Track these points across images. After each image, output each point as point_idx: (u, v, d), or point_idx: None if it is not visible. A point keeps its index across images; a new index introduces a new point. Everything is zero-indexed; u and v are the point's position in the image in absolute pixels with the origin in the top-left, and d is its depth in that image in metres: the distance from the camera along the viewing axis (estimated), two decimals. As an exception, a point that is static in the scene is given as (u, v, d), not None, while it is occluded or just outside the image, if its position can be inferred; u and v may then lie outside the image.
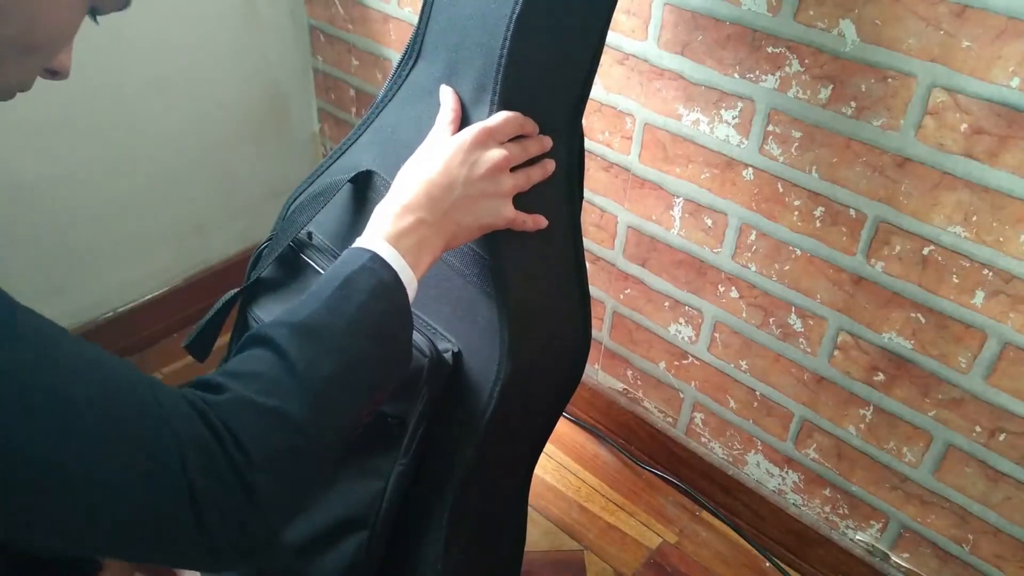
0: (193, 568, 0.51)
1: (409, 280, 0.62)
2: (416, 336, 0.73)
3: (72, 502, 0.43)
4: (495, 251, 0.72)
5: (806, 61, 0.87)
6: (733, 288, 1.06)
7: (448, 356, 0.74)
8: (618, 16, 1.01)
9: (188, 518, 0.46)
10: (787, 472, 1.12)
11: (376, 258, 0.61)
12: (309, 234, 0.84)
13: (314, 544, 0.79)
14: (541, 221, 0.74)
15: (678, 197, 1.06)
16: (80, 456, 0.43)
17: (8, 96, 0.55)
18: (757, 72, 0.91)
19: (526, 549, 0.98)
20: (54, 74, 0.56)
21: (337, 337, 0.56)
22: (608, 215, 1.16)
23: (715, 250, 1.05)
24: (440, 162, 0.67)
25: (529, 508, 0.97)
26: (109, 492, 0.44)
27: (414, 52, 0.78)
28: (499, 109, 0.70)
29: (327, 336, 0.56)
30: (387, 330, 0.60)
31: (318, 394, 0.53)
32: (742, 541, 1.19)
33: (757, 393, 1.10)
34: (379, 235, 0.63)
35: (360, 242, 0.63)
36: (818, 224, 0.94)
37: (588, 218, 1.18)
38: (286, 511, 0.53)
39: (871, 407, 0.99)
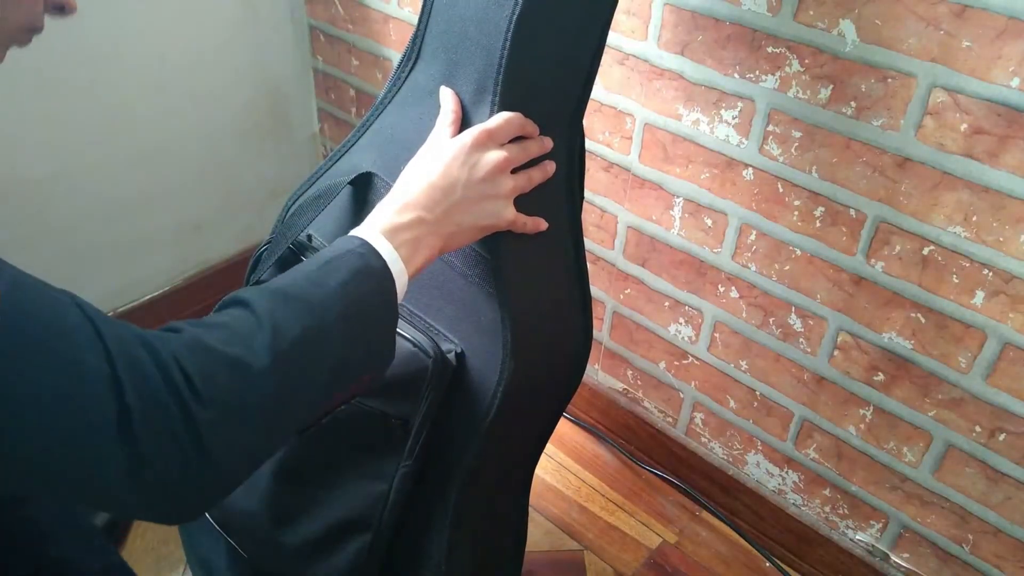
0: (126, 513, 0.48)
1: (399, 273, 0.62)
2: (419, 337, 0.73)
3: None
4: (496, 251, 0.72)
5: (806, 61, 0.87)
6: (733, 288, 1.06)
7: (451, 357, 0.74)
8: (618, 16, 1.00)
9: (115, 442, 0.44)
10: (787, 472, 1.12)
11: (366, 245, 0.61)
12: (309, 236, 0.84)
13: (315, 546, 0.79)
14: (541, 224, 0.74)
15: (678, 197, 1.06)
16: None
17: (23, 40, 0.53)
18: (757, 72, 0.91)
19: (526, 549, 0.98)
20: (60, 9, 0.55)
21: (311, 305, 0.55)
22: (608, 215, 1.16)
23: (715, 250, 1.05)
24: (440, 164, 0.67)
25: (529, 508, 0.97)
26: (23, 412, 0.42)
27: (413, 53, 0.78)
28: (499, 110, 0.70)
29: (301, 301, 0.55)
30: (367, 312, 0.59)
31: (283, 353, 0.52)
32: (742, 541, 1.19)
33: (757, 393, 1.10)
34: (375, 227, 0.63)
35: (355, 231, 0.63)
36: (818, 224, 0.94)
37: (588, 218, 1.18)
38: (232, 463, 0.50)
39: (871, 407, 0.99)
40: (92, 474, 0.45)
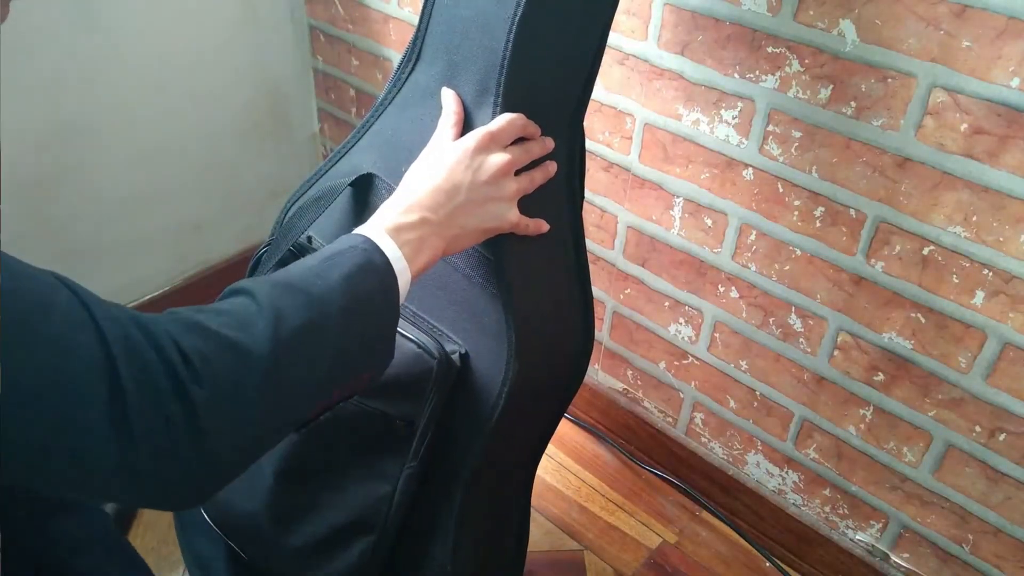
0: (119, 500, 0.46)
1: (402, 271, 0.62)
2: (423, 338, 0.73)
3: None
4: (499, 252, 0.72)
5: (806, 61, 0.87)
6: (733, 288, 1.06)
7: (456, 358, 0.74)
8: (618, 16, 1.00)
9: (107, 425, 0.43)
10: (787, 472, 1.13)
11: (370, 242, 0.61)
12: (309, 238, 0.84)
13: (318, 548, 0.79)
14: (543, 225, 0.74)
15: (678, 197, 1.06)
16: None
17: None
18: (757, 72, 0.91)
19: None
20: None
21: (313, 296, 0.55)
22: (608, 215, 1.16)
23: (715, 250, 1.05)
24: (444, 167, 0.67)
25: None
26: (10, 396, 0.40)
27: (414, 54, 0.78)
28: (502, 111, 0.70)
29: (303, 293, 0.55)
30: (369, 308, 0.59)
31: (283, 342, 0.51)
32: (742, 541, 1.19)
33: (757, 393, 1.10)
34: (379, 226, 0.63)
35: (359, 229, 0.63)
36: (818, 224, 0.94)
37: (588, 218, 1.18)
38: (227, 451, 0.48)
39: (871, 407, 0.99)
40: (84, 460, 0.44)
